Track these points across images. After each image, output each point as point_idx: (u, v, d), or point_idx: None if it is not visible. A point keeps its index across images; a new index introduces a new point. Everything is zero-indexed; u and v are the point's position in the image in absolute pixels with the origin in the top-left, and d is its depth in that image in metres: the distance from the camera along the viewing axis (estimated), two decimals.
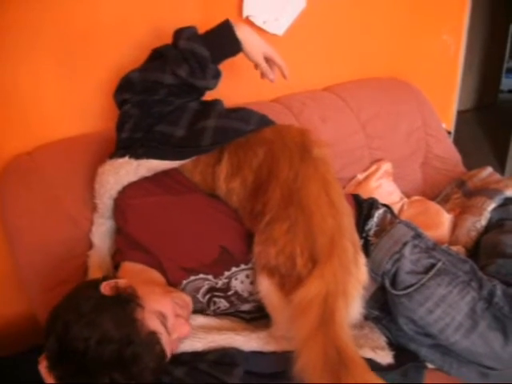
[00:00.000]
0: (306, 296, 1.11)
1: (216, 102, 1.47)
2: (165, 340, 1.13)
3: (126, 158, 1.34)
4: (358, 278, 1.20)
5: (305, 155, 1.29)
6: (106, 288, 1.13)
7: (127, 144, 1.38)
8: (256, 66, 1.56)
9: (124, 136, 1.40)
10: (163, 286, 1.29)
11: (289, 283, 1.17)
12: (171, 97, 1.42)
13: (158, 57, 1.44)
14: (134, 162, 1.34)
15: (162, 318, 1.14)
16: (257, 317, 1.38)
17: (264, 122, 1.42)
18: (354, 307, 1.18)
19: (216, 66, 1.44)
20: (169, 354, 1.14)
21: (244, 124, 1.37)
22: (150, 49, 1.48)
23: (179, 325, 1.18)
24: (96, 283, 1.15)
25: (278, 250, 1.18)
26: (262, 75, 1.59)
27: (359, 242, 1.29)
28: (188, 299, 1.28)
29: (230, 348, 1.22)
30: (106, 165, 1.38)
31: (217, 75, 1.47)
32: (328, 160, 1.33)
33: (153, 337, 1.09)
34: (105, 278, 1.17)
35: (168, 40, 1.45)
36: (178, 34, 1.43)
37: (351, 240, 1.23)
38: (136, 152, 1.34)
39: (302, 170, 1.26)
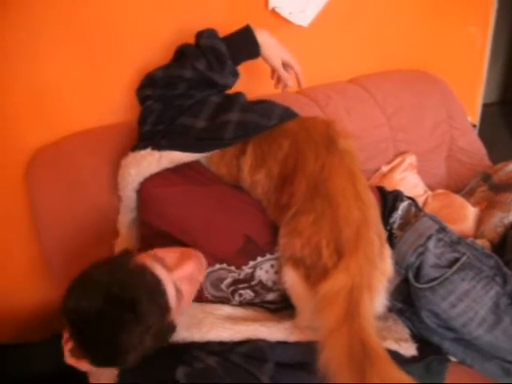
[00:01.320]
0: (332, 288, 1.11)
1: (238, 95, 1.47)
2: (161, 273, 1.12)
3: (149, 150, 1.35)
4: (382, 271, 1.20)
5: (331, 147, 1.29)
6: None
7: (149, 136, 1.40)
8: (273, 71, 1.58)
9: (146, 129, 1.42)
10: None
11: (314, 275, 1.17)
12: (192, 90, 1.44)
13: (180, 56, 1.47)
14: (156, 154, 1.35)
15: (157, 258, 1.15)
16: (281, 307, 1.39)
17: (287, 115, 1.42)
18: (378, 300, 1.19)
19: (234, 64, 1.46)
20: (170, 289, 1.12)
21: (266, 119, 1.37)
22: (174, 45, 1.50)
23: (182, 263, 1.18)
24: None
25: (304, 242, 1.18)
26: (277, 81, 1.61)
27: (385, 235, 1.29)
28: (203, 259, 1.28)
29: (259, 340, 1.22)
30: (129, 157, 1.39)
31: (235, 73, 1.49)
32: (354, 152, 1.33)
33: (141, 268, 1.09)
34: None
35: (193, 39, 1.48)
36: (199, 34, 1.46)
37: (377, 232, 1.23)
38: (158, 143, 1.36)
39: (327, 162, 1.26)
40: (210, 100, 1.44)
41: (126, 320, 1.02)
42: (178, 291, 1.15)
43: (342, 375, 1.02)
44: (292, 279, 1.22)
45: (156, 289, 1.09)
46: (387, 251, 1.25)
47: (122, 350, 1.04)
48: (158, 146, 1.35)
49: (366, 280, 1.14)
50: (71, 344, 1.14)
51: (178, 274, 1.16)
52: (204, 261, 1.28)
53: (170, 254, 1.20)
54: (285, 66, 1.55)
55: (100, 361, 1.08)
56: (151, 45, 1.70)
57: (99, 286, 1.03)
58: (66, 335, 1.18)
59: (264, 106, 1.43)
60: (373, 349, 1.05)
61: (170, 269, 1.15)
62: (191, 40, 1.48)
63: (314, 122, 1.38)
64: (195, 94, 1.44)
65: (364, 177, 1.33)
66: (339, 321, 1.08)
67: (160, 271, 1.12)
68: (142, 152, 1.36)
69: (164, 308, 1.10)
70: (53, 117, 1.62)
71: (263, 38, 1.47)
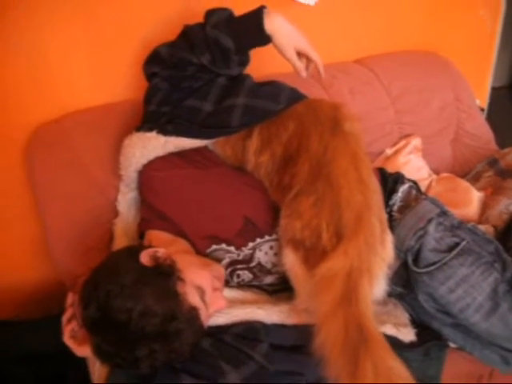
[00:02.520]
0: (329, 270, 1.11)
1: (245, 78, 1.44)
2: (203, 315, 1.14)
3: (154, 133, 1.34)
4: (383, 257, 1.19)
5: (336, 129, 1.27)
6: (145, 258, 1.12)
7: (154, 117, 1.38)
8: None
9: (151, 109, 1.40)
10: (199, 256, 1.29)
11: (313, 257, 1.16)
12: (200, 73, 1.41)
13: (187, 38, 1.40)
14: (161, 138, 1.33)
15: (201, 292, 1.15)
16: (279, 289, 1.38)
17: (294, 97, 1.39)
18: (378, 286, 1.18)
19: (241, 56, 1.39)
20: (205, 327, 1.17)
21: (273, 103, 1.34)
22: (180, 21, 1.45)
23: (216, 298, 1.19)
24: (135, 251, 1.14)
25: (304, 224, 1.17)
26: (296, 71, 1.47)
27: (387, 220, 1.27)
28: (223, 270, 1.29)
29: (254, 322, 1.22)
30: (134, 137, 1.38)
31: (242, 63, 1.43)
32: (359, 135, 1.30)
33: (194, 312, 1.11)
34: (142, 247, 1.17)
35: (199, 14, 1.41)
36: (209, 16, 1.38)
37: (379, 217, 1.21)
38: (165, 128, 1.34)
39: (331, 144, 1.24)
40: (218, 82, 1.42)
41: (163, 356, 1.05)
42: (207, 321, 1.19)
43: (335, 359, 1.02)
44: (291, 261, 1.21)
45: (199, 337, 1.13)
46: (388, 237, 1.24)
47: (139, 368, 1.05)
48: (164, 131, 1.34)
49: (366, 265, 1.13)
50: (73, 325, 1.14)
51: (213, 309, 1.20)
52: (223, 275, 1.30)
53: (205, 281, 1.18)
54: (300, 55, 1.42)
55: (112, 361, 1.10)
56: (156, 20, 1.68)
57: (154, 318, 1.04)
58: (66, 315, 1.18)
59: (271, 90, 1.40)
60: (370, 334, 1.04)
61: (207, 305, 1.17)
62: (197, 15, 1.42)
63: (321, 104, 1.36)
64: (203, 76, 1.41)
65: (369, 160, 1.31)
66: (335, 304, 1.08)
67: (204, 315, 1.15)
68: (148, 134, 1.34)
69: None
70: (55, 93, 1.61)
71: (273, 24, 1.34)
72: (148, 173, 1.36)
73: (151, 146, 1.34)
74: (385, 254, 1.20)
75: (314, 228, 1.16)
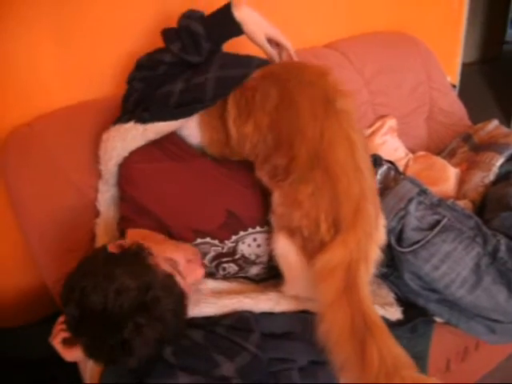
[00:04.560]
0: (330, 262, 1.11)
1: (213, 58, 1.41)
2: (181, 283, 1.14)
3: (132, 123, 1.33)
4: (377, 241, 1.20)
5: (328, 107, 1.23)
6: (112, 247, 1.14)
7: (128, 109, 1.39)
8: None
9: (125, 102, 1.41)
10: (171, 242, 1.30)
11: (311, 247, 1.17)
12: (171, 70, 1.41)
13: (162, 35, 1.42)
14: (140, 127, 1.33)
15: (174, 263, 1.16)
16: (266, 278, 1.39)
17: (265, 63, 1.38)
18: (372, 270, 1.19)
19: (212, 45, 1.38)
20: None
21: (244, 68, 1.33)
22: (151, 21, 1.52)
23: (192, 269, 1.20)
24: (104, 246, 1.17)
25: (303, 214, 1.17)
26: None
27: (379, 204, 1.27)
28: (196, 249, 1.29)
29: (243, 311, 1.23)
30: (111, 131, 1.37)
31: (213, 53, 1.42)
32: (352, 112, 1.27)
33: (169, 279, 1.11)
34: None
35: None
36: (181, 15, 1.39)
37: (373, 202, 1.22)
38: (141, 116, 1.33)
39: (326, 127, 1.20)
40: (186, 71, 1.41)
41: (149, 330, 1.03)
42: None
43: (343, 346, 1.04)
44: (285, 247, 1.21)
45: (181, 305, 1.12)
46: (381, 220, 1.26)
47: (130, 353, 1.04)
48: (142, 119, 1.33)
49: (364, 253, 1.14)
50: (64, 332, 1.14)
51: (190, 280, 1.19)
52: (202, 259, 1.30)
53: (178, 255, 1.19)
54: (272, 42, 1.43)
55: (102, 357, 1.09)
56: (127, 15, 1.67)
57: (130, 292, 1.03)
58: (60, 319, 1.17)
59: (240, 58, 1.40)
60: (373, 321, 1.06)
61: (183, 276, 1.16)
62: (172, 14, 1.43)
63: (304, 70, 1.33)
64: (175, 72, 1.41)
65: (362, 138, 1.29)
66: (339, 293, 1.08)
67: (181, 283, 1.14)
68: (126, 125, 1.34)
69: (182, 322, 1.12)
70: (27, 96, 1.58)
71: (244, 14, 1.36)
72: (128, 165, 1.35)
73: (130, 136, 1.33)
74: (378, 238, 1.22)
75: (312, 218, 1.16)
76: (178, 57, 1.38)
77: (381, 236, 1.23)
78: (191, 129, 1.39)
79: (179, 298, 1.11)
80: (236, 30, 1.37)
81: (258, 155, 1.29)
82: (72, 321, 1.06)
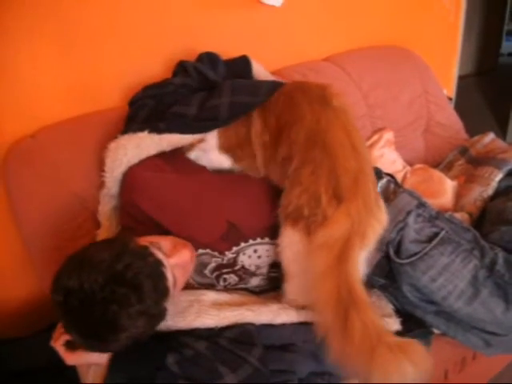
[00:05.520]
0: (332, 236, 1.15)
1: (223, 83, 1.46)
2: (158, 254, 1.13)
3: (146, 133, 1.36)
4: (379, 219, 1.23)
5: (324, 104, 1.30)
6: None
7: (140, 119, 1.42)
8: None
9: (135, 114, 1.45)
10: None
11: (314, 225, 1.19)
12: (180, 89, 1.47)
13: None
14: (155, 137, 1.36)
15: (156, 243, 1.16)
16: (267, 289, 1.41)
17: (274, 87, 1.41)
18: (369, 248, 1.22)
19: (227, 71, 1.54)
20: (170, 277, 1.13)
21: (256, 97, 1.37)
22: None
23: (177, 250, 1.19)
24: None
25: (302, 190, 1.21)
26: None
27: (377, 187, 1.34)
28: (189, 243, 1.27)
29: (247, 324, 1.23)
30: (122, 139, 1.39)
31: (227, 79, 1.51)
32: (348, 110, 1.33)
33: (144, 249, 1.10)
34: None
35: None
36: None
37: (373, 183, 1.27)
38: (157, 126, 1.36)
39: (323, 116, 1.27)
40: (198, 93, 1.45)
41: (128, 298, 1.02)
42: (174, 277, 1.16)
43: (328, 314, 1.09)
44: (289, 238, 1.24)
45: (157, 271, 1.09)
46: (381, 201, 1.29)
47: (117, 328, 1.03)
48: (157, 129, 1.36)
49: (362, 227, 1.18)
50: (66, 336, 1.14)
51: (175, 260, 1.17)
52: (194, 252, 1.28)
53: (164, 241, 1.20)
54: None
55: (92, 339, 1.07)
56: (129, 28, 1.68)
57: (102, 264, 1.03)
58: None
59: (252, 84, 1.45)
60: (357, 294, 1.10)
61: (167, 255, 1.16)
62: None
63: (309, 84, 1.40)
64: (183, 92, 1.47)
65: (359, 132, 1.34)
66: (330, 265, 1.13)
67: (160, 255, 1.12)
68: (140, 134, 1.36)
69: (162, 292, 1.10)
70: (30, 107, 1.59)
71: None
72: (133, 172, 1.36)
73: (144, 144, 1.36)
74: (380, 216, 1.25)
75: (312, 193, 1.20)
76: (189, 76, 1.48)
77: (383, 215, 1.26)
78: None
79: (154, 264, 1.09)
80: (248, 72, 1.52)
81: (266, 151, 1.34)
82: (58, 308, 1.05)
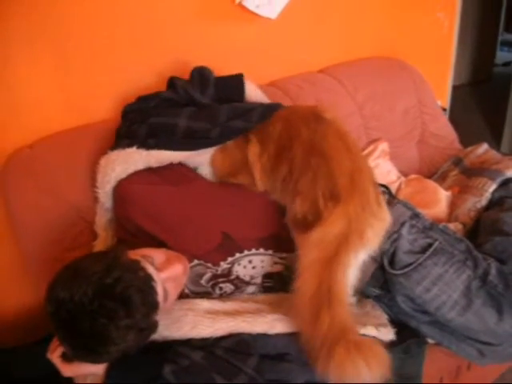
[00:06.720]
0: (328, 233, 1.19)
1: (214, 106, 1.48)
2: (149, 269, 1.12)
3: (134, 148, 1.37)
4: (380, 217, 1.26)
5: (318, 119, 1.35)
6: None
7: (131, 135, 1.42)
8: None
9: (124, 129, 1.46)
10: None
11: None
12: (163, 103, 1.49)
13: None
14: (143, 152, 1.37)
15: (148, 258, 1.16)
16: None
17: (268, 111, 1.43)
18: (370, 248, 1.25)
19: (216, 92, 1.53)
20: (159, 287, 1.13)
21: (247, 122, 1.40)
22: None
23: (170, 264, 1.19)
24: None
25: (303, 198, 1.25)
26: None
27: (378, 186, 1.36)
28: (182, 256, 1.28)
29: (243, 334, 1.23)
30: (111, 155, 1.39)
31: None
32: (339, 122, 1.39)
33: (135, 263, 1.10)
34: None
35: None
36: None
37: (371, 181, 1.30)
38: (145, 142, 1.37)
39: (319, 128, 1.32)
40: (185, 108, 1.46)
41: (116, 312, 1.02)
42: (165, 291, 1.16)
43: (303, 306, 1.16)
44: (301, 244, 1.26)
45: (147, 285, 1.09)
46: (383, 200, 1.32)
47: (107, 340, 1.04)
48: (146, 145, 1.37)
49: (360, 227, 1.20)
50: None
51: (166, 274, 1.17)
52: (187, 264, 1.28)
53: (157, 254, 1.20)
54: None
55: (82, 351, 1.07)
56: (126, 40, 1.70)
57: (92, 277, 1.03)
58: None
59: (244, 108, 1.45)
60: (335, 293, 1.15)
61: (158, 269, 1.16)
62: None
63: (301, 107, 1.50)
64: (167, 108, 1.48)
65: (352, 136, 1.40)
66: (322, 261, 1.18)
67: (151, 269, 1.13)
68: (128, 150, 1.37)
69: (152, 306, 1.10)
70: (28, 118, 1.60)
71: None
72: (124, 185, 1.37)
73: (132, 160, 1.36)
74: (382, 214, 1.27)
75: (311, 199, 1.23)
76: (177, 93, 1.48)
77: (385, 214, 1.29)
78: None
79: (144, 278, 1.09)
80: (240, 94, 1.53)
81: (271, 176, 1.37)
82: (51, 319, 1.06)
